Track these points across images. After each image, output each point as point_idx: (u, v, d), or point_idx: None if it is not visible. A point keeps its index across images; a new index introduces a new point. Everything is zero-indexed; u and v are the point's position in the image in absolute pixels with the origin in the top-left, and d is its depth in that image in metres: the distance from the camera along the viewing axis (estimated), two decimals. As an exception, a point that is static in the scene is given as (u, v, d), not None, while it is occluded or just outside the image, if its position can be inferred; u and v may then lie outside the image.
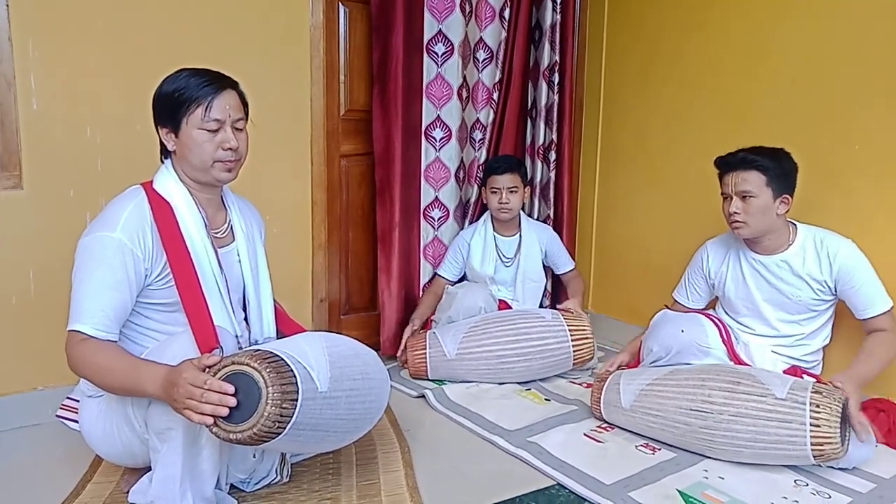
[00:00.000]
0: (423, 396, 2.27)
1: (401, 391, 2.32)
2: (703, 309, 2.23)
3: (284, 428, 1.23)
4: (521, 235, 2.67)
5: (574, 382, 2.40)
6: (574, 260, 2.85)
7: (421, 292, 2.70)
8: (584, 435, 1.95)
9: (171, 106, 1.47)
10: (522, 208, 2.72)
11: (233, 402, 1.20)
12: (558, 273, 2.79)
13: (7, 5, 1.87)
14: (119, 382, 1.33)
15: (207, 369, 1.24)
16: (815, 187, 2.12)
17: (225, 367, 1.24)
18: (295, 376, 1.25)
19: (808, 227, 2.02)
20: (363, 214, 2.70)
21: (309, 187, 2.49)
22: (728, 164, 1.98)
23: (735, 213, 1.95)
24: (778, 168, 1.93)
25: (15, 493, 1.63)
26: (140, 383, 1.29)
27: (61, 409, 1.61)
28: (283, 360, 1.26)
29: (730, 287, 2.12)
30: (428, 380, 2.39)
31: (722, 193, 2.02)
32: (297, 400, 1.24)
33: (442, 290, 2.62)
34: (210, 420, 1.20)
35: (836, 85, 2.16)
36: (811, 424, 1.63)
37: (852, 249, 1.94)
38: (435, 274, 2.71)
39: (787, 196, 1.96)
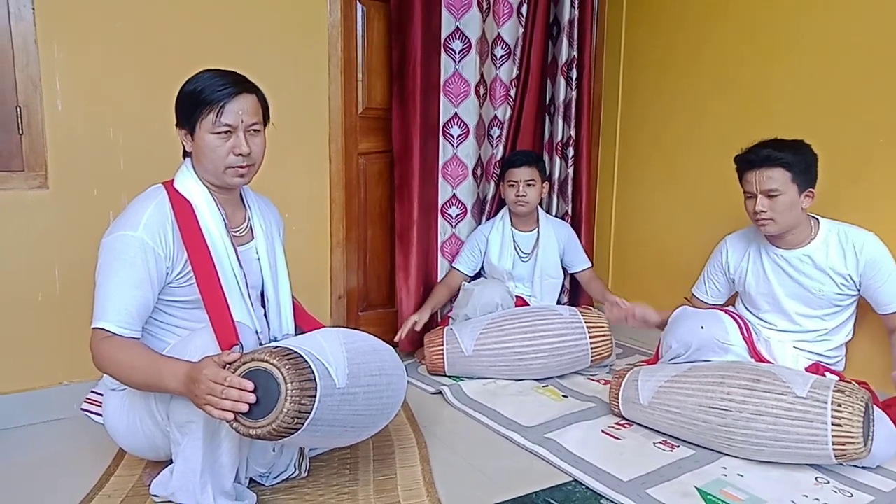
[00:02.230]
0: (440, 393, 2.28)
1: (418, 387, 2.33)
2: (722, 305, 2.20)
3: (303, 424, 1.25)
4: (538, 231, 2.66)
5: (592, 379, 2.39)
6: (591, 259, 2.83)
7: (439, 290, 2.70)
8: (602, 432, 1.95)
9: (187, 107, 1.48)
10: (541, 204, 2.71)
11: (252, 398, 1.22)
12: (573, 272, 2.77)
13: (33, 9, 1.92)
14: (141, 379, 1.35)
15: (228, 366, 1.26)
16: (838, 182, 2.09)
17: (245, 363, 1.26)
18: (313, 373, 1.27)
19: (830, 222, 1.99)
20: (381, 212, 2.72)
21: (327, 185, 2.51)
22: (751, 162, 1.94)
23: (762, 211, 1.92)
24: (802, 162, 1.90)
25: (41, 485, 1.67)
26: (161, 380, 1.32)
27: (86, 402, 1.65)
28: (301, 356, 1.28)
29: (751, 282, 2.09)
30: (445, 376, 2.40)
31: (745, 191, 1.98)
32: (315, 396, 1.25)
33: (457, 285, 2.62)
34: (230, 416, 1.22)
35: (857, 77, 2.12)
36: (833, 424, 1.61)
37: (878, 243, 1.92)
38: (451, 268, 2.71)
39: (812, 190, 1.93)
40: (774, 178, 1.89)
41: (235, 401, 1.21)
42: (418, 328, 2.44)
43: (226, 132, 1.47)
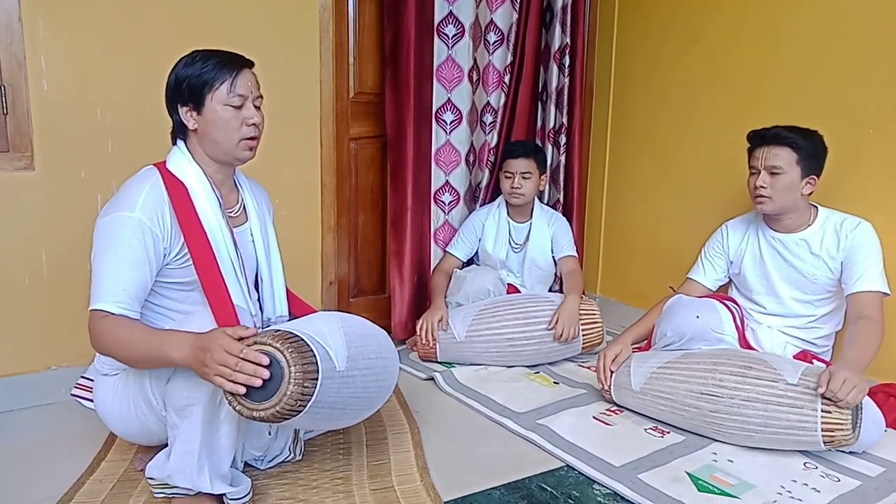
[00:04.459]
0: (432, 379, 2.28)
1: (410, 373, 2.33)
2: (716, 292, 2.21)
3: (305, 406, 1.25)
4: (531, 223, 2.64)
5: (583, 366, 2.41)
6: (581, 247, 2.80)
7: (432, 277, 2.68)
8: (594, 418, 1.96)
9: (193, 85, 1.47)
10: (539, 196, 2.69)
11: (266, 374, 1.21)
12: (557, 258, 2.65)
13: (17, -15, 1.87)
14: (142, 352, 1.32)
15: (242, 340, 1.25)
16: (829, 171, 2.10)
17: (248, 346, 1.26)
18: (315, 356, 1.27)
19: (830, 210, 2.02)
20: (372, 198, 2.70)
21: (318, 170, 2.49)
22: (762, 137, 1.98)
23: (761, 186, 1.95)
24: (810, 148, 1.94)
25: (30, 470, 1.65)
26: (164, 350, 1.29)
27: (76, 388, 1.63)
28: (303, 340, 1.28)
29: (747, 264, 2.12)
30: (437, 362, 2.40)
31: (750, 167, 2.02)
32: (317, 379, 1.26)
33: (452, 270, 2.60)
34: (242, 389, 1.21)
35: (849, 70, 2.14)
36: (822, 410, 1.63)
37: (869, 228, 1.94)
38: (446, 253, 2.68)
39: (815, 177, 1.96)
40: (780, 156, 1.93)
41: (249, 375, 1.20)
42: (444, 326, 2.36)
43: (238, 104, 1.49)
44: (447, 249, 2.68)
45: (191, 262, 1.44)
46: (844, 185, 2.14)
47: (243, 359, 1.20)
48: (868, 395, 1.79)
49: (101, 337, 1.35)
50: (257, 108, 1.54)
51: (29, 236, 1.97)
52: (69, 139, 1.99)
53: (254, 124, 1.51)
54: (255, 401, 1.24)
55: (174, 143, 1.56)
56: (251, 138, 1.52)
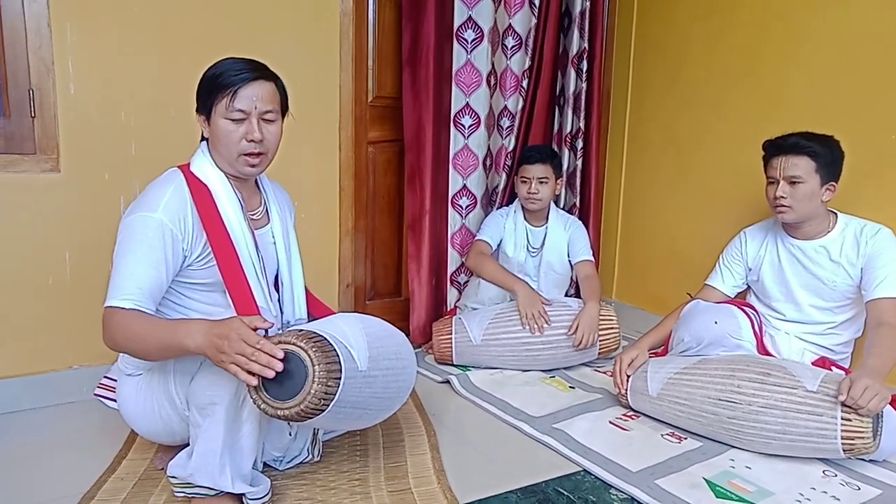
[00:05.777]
0: (447, 382, 2.29)
1: (426, 376, 2.34)
2: (734, 298, 2.20)
3: (329, 405, 1.27)
4: (548, 227, 2.64)
5: (598, 371, 2.40)
6: (598, 251, 2.79)
7: (449, 282, 2.68)
8: (610, 423, 1.96)
9: (205, 92, 1.48)
10: (555, 200, 2.69)
11: (280, 366, 1.22)
12: (573, 262, 2.64)
13: (46, -9, 1.91)
14: (156, 343, 1.31)
15: (256, 329, 1.27)
16: (850, 177, 2.09)
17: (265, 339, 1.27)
18: (338, 355, 1.29)
19: (848, 216, 2.01)
20: (389, 201, 2.72)
21: (337, 173, 2.51)
22: (779, 147, 1.97)
23: (781, 197, 1.94)
24: (828, 155, 1.92)
25: (52, 468, 1.67)
26: (178, 339, 1.29)
27: (99, 388, 1.65)
28: (326, 340, 1.30)
29: (766, 271, 2.10)
30: (453, 365, 2.41)
31: (768, 177, 2.00)
32: (340, 378, 1.28)
33: (490, 252, 2.57)
34: (254, 380, 1.23)
35: (871, 74, 2.12)
36: (842, 418, 1.61)
37: (889, 234, 1.93)
38: (476, 241, 2.62)
39: (834, 184, 1.95)
40: (799, 165, 1.92)
41: (263, 365, 1.21)
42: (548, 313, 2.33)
43: (239, 119, 1.46)
44: (478, 237, 2.62)
45: (214, 262, 1.46)
46: (865, 191, 2.13)
47: (259, 349, 1.22)
48: (889, 402, 1.78)
49: (115, 332, 1.34)
50: (269, 122, 1.50)
51: (53, 237, 2.01)
52: (94, 142, 2.03)
53: (252, 140, 1.47)
54: (279, 399, 1.26)
55: (201, 142, 1.58)
56: (251, 154, 1.49)
